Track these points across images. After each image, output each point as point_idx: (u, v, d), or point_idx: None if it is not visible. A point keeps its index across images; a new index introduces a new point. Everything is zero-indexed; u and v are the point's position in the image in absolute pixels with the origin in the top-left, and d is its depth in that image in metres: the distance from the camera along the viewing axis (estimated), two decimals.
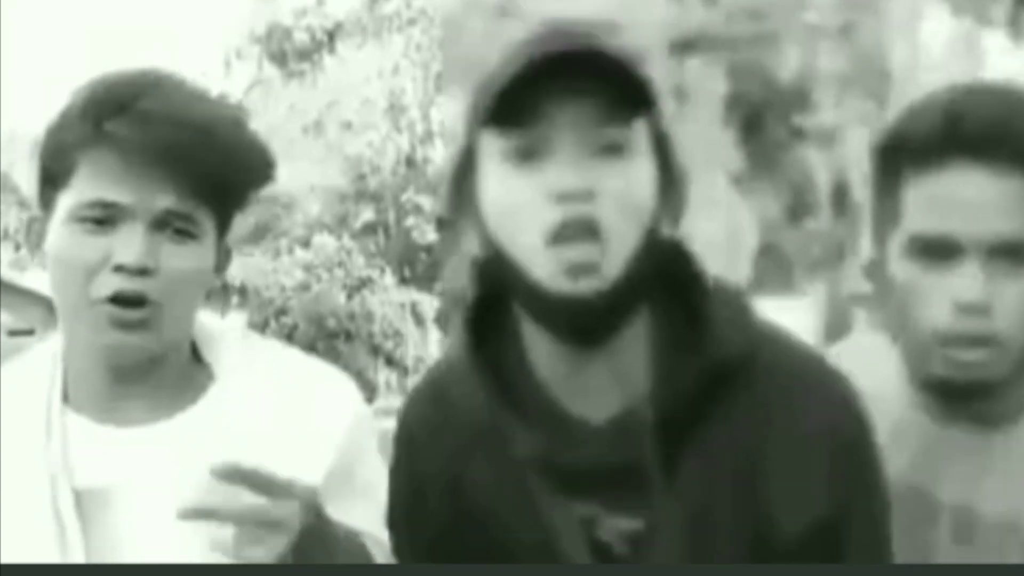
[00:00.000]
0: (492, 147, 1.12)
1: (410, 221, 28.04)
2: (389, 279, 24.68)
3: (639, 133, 1.12)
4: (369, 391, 20.05)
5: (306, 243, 24.71)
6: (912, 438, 1.34)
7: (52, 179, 1.32)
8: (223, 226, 1.37)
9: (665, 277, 1.19)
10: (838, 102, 21.46)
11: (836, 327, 14.92)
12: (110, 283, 1.27)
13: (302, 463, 1.27)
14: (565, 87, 1.09)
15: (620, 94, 1.09)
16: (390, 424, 1.50)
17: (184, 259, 1.30)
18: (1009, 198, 1.23)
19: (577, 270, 1.10)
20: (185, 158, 1.27)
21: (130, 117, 1.27)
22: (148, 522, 1.27)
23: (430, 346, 23.66)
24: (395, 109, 28.69)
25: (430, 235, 27.30)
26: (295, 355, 1.43)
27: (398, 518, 1.31)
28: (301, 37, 32.00)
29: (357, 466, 1.36)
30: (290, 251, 25.06)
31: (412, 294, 24.88)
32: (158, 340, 1.30)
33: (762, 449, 1.15)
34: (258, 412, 1.32)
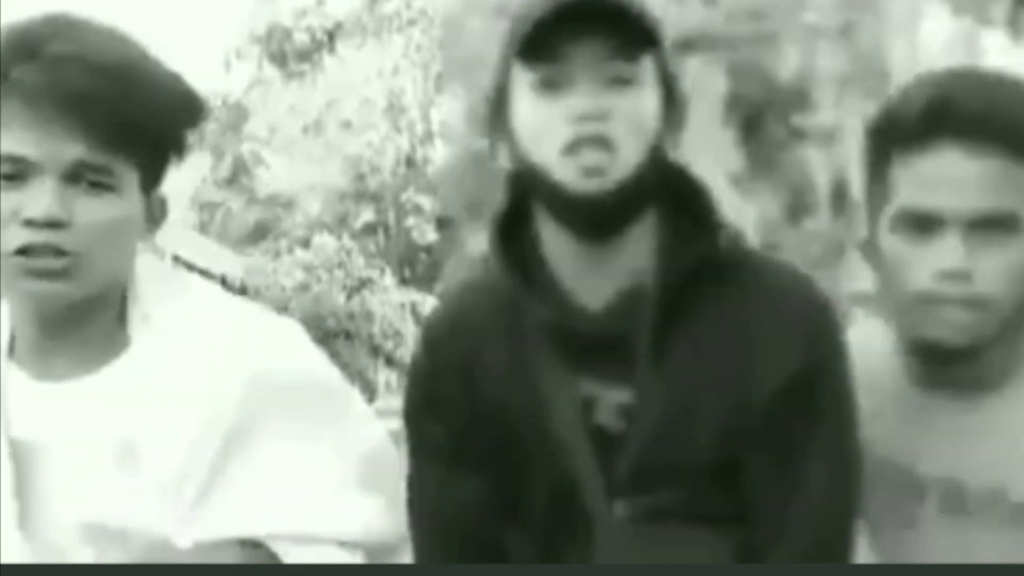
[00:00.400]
0: (522, 79, 1.36)
1: (410, 221, 28.00)
2: (389, 279, 24.65)
3: (646, 68, 1.36)
4: (369, 391, 20.04)
5: (306, 243, 24.69)
6: (900, 409, 1.43)
7: None
8: (151, 175, 1.31)
9: (672, 191, 1.41)
10: (838, 102, 21.45)
11: None
12: (19, 236, 1.24)
13: (202, 428, 1.27)
14: (582, 29, 1.32)
15: (629, 35, 1.33)
16: (391, 424, 1.50)
17: (101, 212, 1.25)
18: (989, 176, 1.34)
19: (589, 172, 1.33)
20: (95, 105, 1.21)
21: (38, 63, 1.22)
22: (70, 477, 1.28)
23: None
24: (395, 109, 28.68)
25: (430, 235, 27.28)
26: (221, 305, 1.39)
27: (413, 418, 1.45)
28: (301, 37, 31.97)
29: (255, 432, 1.30)
30: (290, 251, 25.04)
31: (412, 294, 24.87)
32: (80, 288, 1.27)
33: (746, 326, 1.37)
34: (170, 371, 1.30)
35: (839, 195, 20.78)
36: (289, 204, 28.00)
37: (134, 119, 1.24)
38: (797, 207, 22.16)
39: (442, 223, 25.51)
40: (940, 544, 1.39)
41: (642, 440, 1.35)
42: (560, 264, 1.40)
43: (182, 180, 33.96)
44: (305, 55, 31.52)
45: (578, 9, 1.30)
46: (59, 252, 1.24)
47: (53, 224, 1.23)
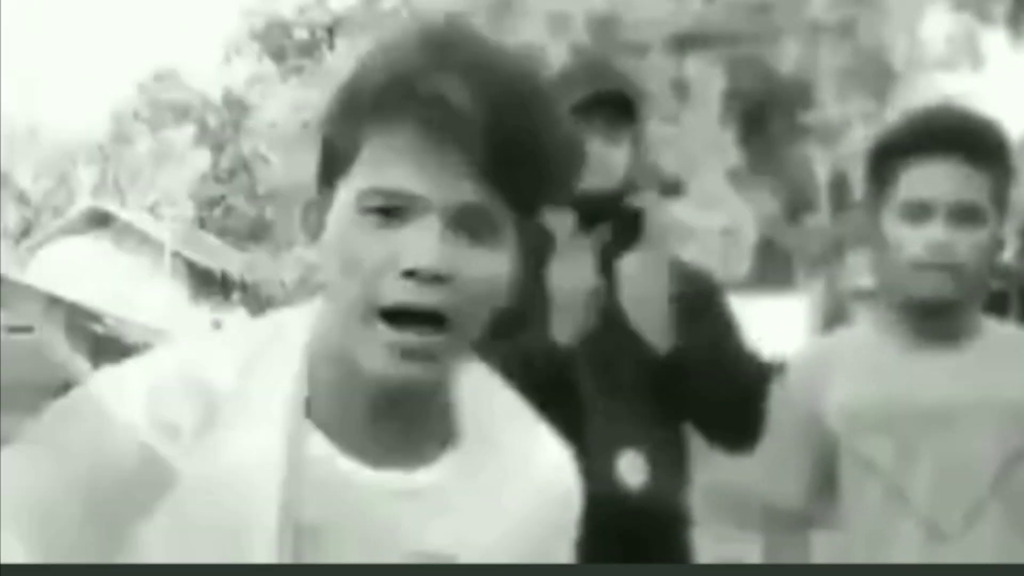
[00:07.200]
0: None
1: None
2: None
3: (631, 134, 2.23)
4: None
5: None
6: (892, 358, 1.91)
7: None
8: (526, 229, 1.07)
9: (630, 212, 2.21)
10: (839, 98, 21.44)
11: (834, 323, 14.88)
12: (395, 290, 1.00)
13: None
14: (599, 100, 2.17)
15: (624, 109, 2.19)
16: None
17: (486, 266, 1.02)
18: (962, 177, 1.84)
19: (594, 186, 2.13)
20: (508, 137, 0.99)
21: (446, 76, 0.99)
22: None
23: None
24: None
25: None
26: (530, 420, 1.18)
27: None
28: (301, 33, 31.98)
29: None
30: (289, 247, 25.03)
31: None
32: (446, 371, 1.06)
33: (670, 268, 2.14)
34: (495, 490, 1.11)
35: (839, 192, 20.76)
36: (289, 200, 28.00)
37: (538, 160, 1.02)
38: (797, 204, 22.14)
39: None
40: (934, 456, 1.85)
41: (608, 328, 2.05)
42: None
43: (181, 176, 33.93)
44: (305, 51, 31.53)
45: (606, 95, 2.17)
46: (437, 321, 1.01)
47: (440, 279, 1.00)
